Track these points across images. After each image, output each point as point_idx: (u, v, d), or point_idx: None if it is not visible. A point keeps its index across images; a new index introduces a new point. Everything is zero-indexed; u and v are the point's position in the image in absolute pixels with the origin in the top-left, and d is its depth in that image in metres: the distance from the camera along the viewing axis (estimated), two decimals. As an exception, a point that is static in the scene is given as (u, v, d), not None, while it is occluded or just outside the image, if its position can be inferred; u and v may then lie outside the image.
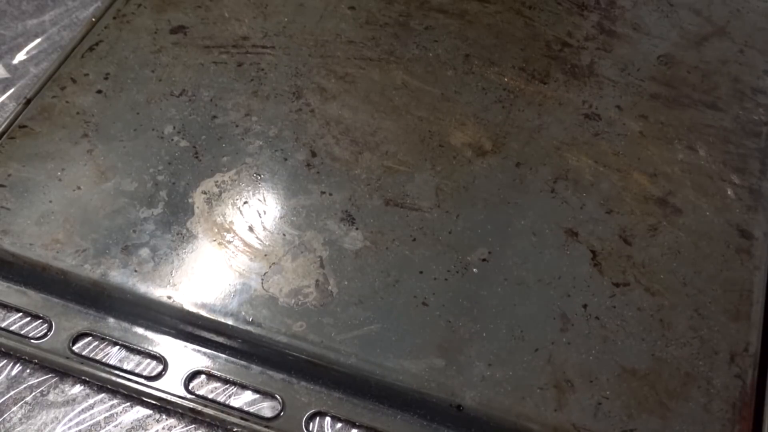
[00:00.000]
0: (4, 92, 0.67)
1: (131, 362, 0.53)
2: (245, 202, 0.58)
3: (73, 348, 0.53)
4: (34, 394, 0.52)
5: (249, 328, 0.52)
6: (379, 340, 0.52)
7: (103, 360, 0.53)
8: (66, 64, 0.65)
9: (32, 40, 0.71)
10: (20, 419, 0.51)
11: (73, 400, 0.52)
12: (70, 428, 0.51)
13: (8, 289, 0.55)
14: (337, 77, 0.66)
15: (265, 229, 0.57)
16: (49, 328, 0.54)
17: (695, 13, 0.75)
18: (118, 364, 0.53)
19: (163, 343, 0.54)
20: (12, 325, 0.54)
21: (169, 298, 0.53)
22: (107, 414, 0.51)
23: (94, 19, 0.69)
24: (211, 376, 0.53)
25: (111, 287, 0.54)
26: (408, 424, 0.51)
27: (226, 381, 0.52)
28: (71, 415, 0.51)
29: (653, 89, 0.68)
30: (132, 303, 0.54)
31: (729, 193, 0.62)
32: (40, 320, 0.54)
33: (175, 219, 0.57)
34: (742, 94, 0.68)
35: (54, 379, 0.53)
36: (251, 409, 0.51)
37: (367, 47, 0.69)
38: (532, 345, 0.53)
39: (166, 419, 0.51)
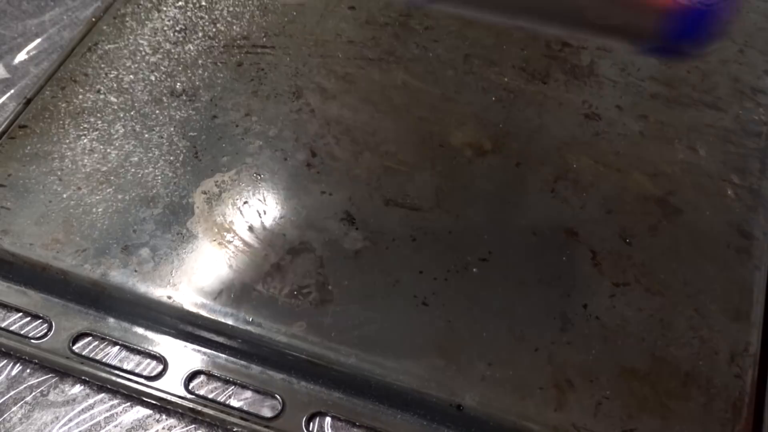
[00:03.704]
0: (4, 92, 0.67)
1: (131, 362, 0.53)
2: (245, 202, 0.58)
3: (73, 348, 0.53)
4: (34, 394, 0.52)
5: (249, 328, 0.52)
6: (379, 340, 0.52)
7: (103, 360, 0.53)
8: (66, 64, 0.65)
9: (32, 40, 0.71)
10: (20, 419, 0.51)
11: (73, 400, 0.52)
12: (70, 428, 0.51)
13: (8, 289, 0.55)
14: (337, 77, 0.66)
15: (265, 229, 0.57)
16: (49, 328, 0.54)
17: (695, 13, 0.75)
18: (118, 364, 0.53)
19: (163, 343, 0.54)
20: (12, 325, 0.54)
21: (169, 298, 0.53)
22: (107, 414, 0.51)
23: (94, 19, 0.69)
24: (211, 376, 0.53)
25: (111, 287, 0.54)
26: (408, 424, 0.51)
27: (226, 381, 0.52)
28: (71, 415, 0.51)
29: (653, 89, 0.68)
30: (132, 303, 0.54)
31: (729, 193, 0.62)
32: (40, 320, 0.54)
33: (175, 219, 0.57)
34: (742, 94, 0.68)
35: (54, 379, 0.53)
36: (251, 409, 0.51)
37: (367, 47, 0.69)
38: (532, 345, 0.53)
39: (166, 419, 0.51)
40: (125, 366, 0.53)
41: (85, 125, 0.61)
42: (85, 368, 0.52)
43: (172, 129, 0.62)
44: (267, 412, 0.51)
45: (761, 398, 0.52)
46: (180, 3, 0.70)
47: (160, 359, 0.53)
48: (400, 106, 0.65)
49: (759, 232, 0.60)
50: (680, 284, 0.56)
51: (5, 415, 0.51)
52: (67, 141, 0.60)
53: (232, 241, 0.56)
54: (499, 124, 0.64)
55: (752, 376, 0.53)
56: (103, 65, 0.65)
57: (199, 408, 0.51)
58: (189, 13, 0.70)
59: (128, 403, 0.52)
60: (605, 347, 0.53)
